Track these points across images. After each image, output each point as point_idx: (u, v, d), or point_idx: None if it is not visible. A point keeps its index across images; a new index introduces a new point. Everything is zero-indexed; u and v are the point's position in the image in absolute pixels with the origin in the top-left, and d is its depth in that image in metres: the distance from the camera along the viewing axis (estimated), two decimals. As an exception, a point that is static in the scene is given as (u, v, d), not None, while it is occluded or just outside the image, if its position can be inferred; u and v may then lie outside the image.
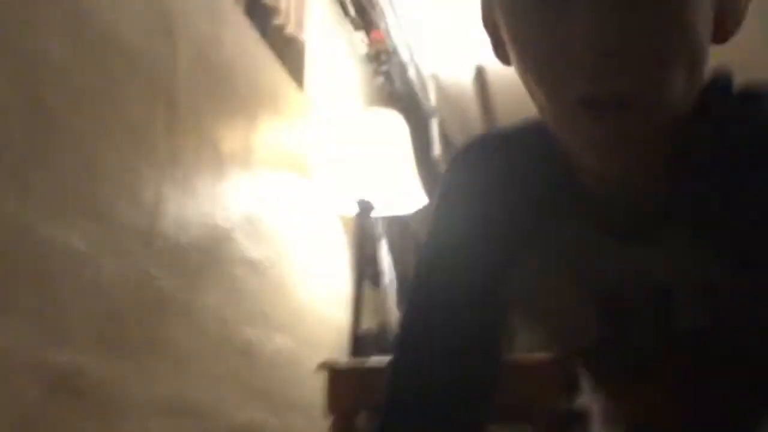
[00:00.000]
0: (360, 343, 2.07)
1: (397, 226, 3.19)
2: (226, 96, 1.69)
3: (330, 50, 2.46)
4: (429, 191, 2.43)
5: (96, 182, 1.21)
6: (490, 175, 0.64)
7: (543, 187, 0.61)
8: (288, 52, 2.20)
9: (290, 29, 2.06)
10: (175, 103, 1.47)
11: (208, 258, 1.55)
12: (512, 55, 0.53)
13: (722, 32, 0.51)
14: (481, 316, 0.64)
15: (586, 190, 0.58)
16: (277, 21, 2.03)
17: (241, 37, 1.79)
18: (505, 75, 2.86)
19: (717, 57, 0.53)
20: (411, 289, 0.69)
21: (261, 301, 1.78)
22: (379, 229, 2.55)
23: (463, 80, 3.20)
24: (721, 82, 0.56)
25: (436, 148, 3.26)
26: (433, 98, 3.22)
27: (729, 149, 0.54)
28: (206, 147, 1.58)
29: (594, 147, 0.50)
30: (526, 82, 0.52)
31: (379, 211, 2.26)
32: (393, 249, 2.85)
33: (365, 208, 2.16)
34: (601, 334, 0.61)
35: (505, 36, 0.53)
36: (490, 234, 0.63)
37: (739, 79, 0.57)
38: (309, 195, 2.13)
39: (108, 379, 1.20)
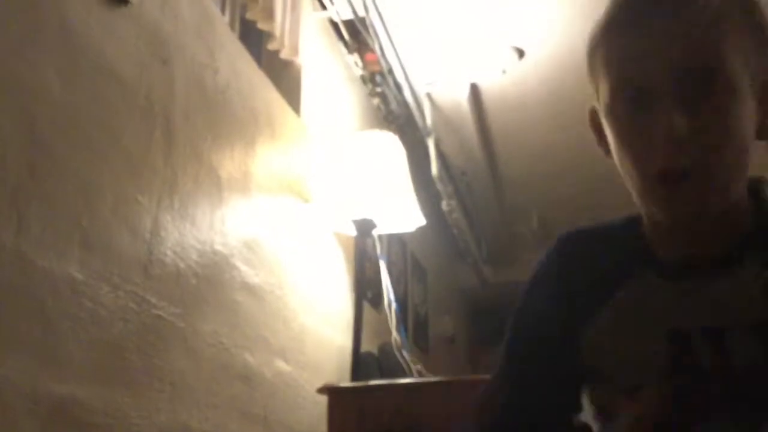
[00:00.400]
0: (361, 365, 2.06)
1: (396, 246, 3.19)
2: (223, 122, 1.70)
3: (325, 73, 2.47)
4: (427, 210, 2.43)
5: (93, 212, 1.22)
6: (577, 258, 0.84)
7: (622, 259, 0.80)
8: (283, 76, 2.22)
9: (285, 54, 2.08)
10: (173, 131, 1.48)
11: (206, 284, 1.55)
12: (613, 147, 0.75)
13: (763, 132, 0.73)
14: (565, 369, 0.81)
15: (657, 253, 0.78)
16: (272, 46, 2.04)
17: (237, 64, 1.81)
18: (498, 92, 2.88)
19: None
20: (504, 350, 0.86)
21: (261, 325, 1.78)
22: (379, 250, 2.55)
23: (458, 98, 3.21)
24: None
25: (433, 167, 3.27)
26: (428, 117, 3.23)
27: None
28: (204, 174, 1.59)
29: (668, 208, 0.71)
30: (622, 166, 0.74)
31: (378, 231, 2.26)
32: (392, 271, 2.85)
33: (365, 227, 2.17)
34: (668, 370, 0.72)
35: (609, 135, 0.76)
36: (575, 299, 0.81)
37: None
38: (307, 218, 2.13)
39: (106, 408, 1.19)
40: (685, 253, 0.76)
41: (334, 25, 2.58)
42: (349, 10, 2.51)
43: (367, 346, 2.24)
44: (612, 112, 0.74)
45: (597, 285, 0.80)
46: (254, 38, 2.16)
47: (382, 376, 2.18)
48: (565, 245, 0.86)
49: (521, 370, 0.84)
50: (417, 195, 2.27)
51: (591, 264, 0.82)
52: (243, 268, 1.72)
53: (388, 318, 2.48)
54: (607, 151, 0.78)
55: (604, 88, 0.74)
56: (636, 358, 0.75)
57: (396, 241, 3.17)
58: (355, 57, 2.71)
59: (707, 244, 0.74)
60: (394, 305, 2.49)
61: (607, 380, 0.78)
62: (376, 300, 2.61)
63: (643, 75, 0.70)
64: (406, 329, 2.97)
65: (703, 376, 0.70)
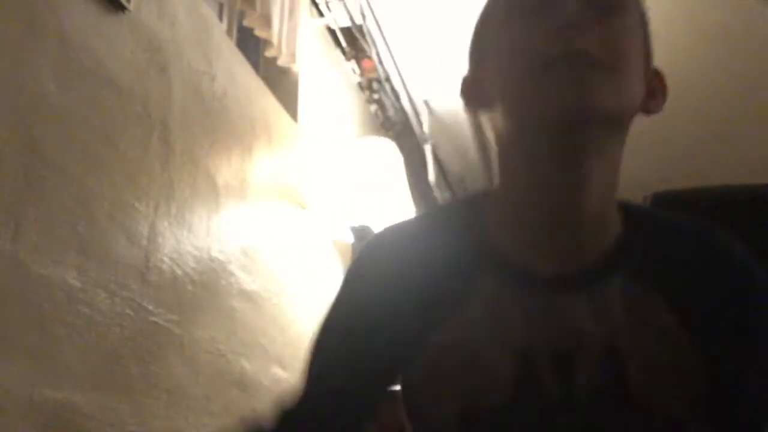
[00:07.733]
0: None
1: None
2: (220, 129, 1.70)
3: (323, 80, 2.48)
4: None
5: (90, 219, 1.22)
6: (402, 260, 0.68)
7: (459, 259, 0.66)
8: (281, 83, 2.22)
9: (282, 61, 2.08)
10: (170, 138, 1.48)
11: (203, 291, 1.55)
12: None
13: (648, 106, 0.65)
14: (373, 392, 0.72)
15: (506, 251, 0.65)
16: (270, 53, 2.05)
17: (234, 71, 1.81)
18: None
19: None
20: (315, 362, 0.72)
21: (257, 332, 1.78)
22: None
23: (456, 105, 3.22)
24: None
25: (431, 174, 3.28)
26: (426, 124, 3.24)
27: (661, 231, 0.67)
28: (201, 180, 1.59)
29: (554, 100, 0.58)
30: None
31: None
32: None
33: (362, 234, 2.17)
34: (513, 390, 0.62)
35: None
36: (402, 310, 0.66)
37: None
38: (304, 225, 2.13)
39: (103, 415, 1.19)
40: (545, 255, 0.64)
41: (332, 32, 2.59)
42: (347, 17, 2.51)
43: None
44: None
45: (426, 299, 0.65)
46: (252, 45, 2.16)
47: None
48: (388, 250, 0.70)
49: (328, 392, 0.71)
50: (414, 202, 2.28)
51: (418, 271, 0.66)
52: (240, 274, 1.72)
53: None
54: (476, 113, 0.68)
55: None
56: (475, 381, 0.63)
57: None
58: (353, 64, 2.71)
59: (566, 249, 0.63)
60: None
61: (434, 402, 0.66)
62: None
63: None
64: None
65: (547, 409, 0.61)
